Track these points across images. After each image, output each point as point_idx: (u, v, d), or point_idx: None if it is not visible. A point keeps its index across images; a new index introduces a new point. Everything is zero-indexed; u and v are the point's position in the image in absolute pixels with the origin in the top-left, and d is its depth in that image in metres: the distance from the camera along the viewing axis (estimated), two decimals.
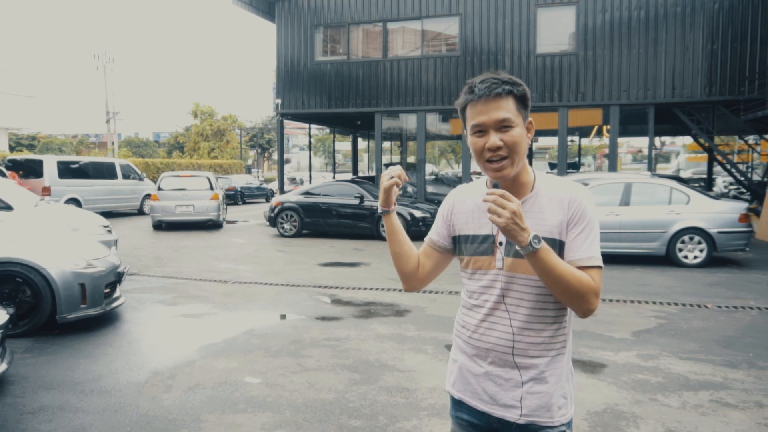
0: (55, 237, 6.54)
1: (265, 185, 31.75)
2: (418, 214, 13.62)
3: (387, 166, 23.73)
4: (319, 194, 14.67)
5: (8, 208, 8.57)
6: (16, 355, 4.94)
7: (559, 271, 1.53)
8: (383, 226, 13.55)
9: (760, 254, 11.44)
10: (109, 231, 9.27)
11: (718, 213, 10.03)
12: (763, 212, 14.07)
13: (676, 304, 7.37)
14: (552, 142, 26.80)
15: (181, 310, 6.92)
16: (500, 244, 1.69)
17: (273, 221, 14.69)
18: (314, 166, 26.96)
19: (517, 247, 1.54)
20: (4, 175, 14.82)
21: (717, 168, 22.59)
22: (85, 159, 20.02)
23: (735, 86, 15.26)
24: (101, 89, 43.32)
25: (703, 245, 9.95)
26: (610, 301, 7.48)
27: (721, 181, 24.88)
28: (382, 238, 13.33)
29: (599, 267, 1.62)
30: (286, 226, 14.52)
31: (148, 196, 21.00)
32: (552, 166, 28.30)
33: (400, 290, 7.88)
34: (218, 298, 7.54)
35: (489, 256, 1.71)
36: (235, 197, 27.71)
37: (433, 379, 4.62)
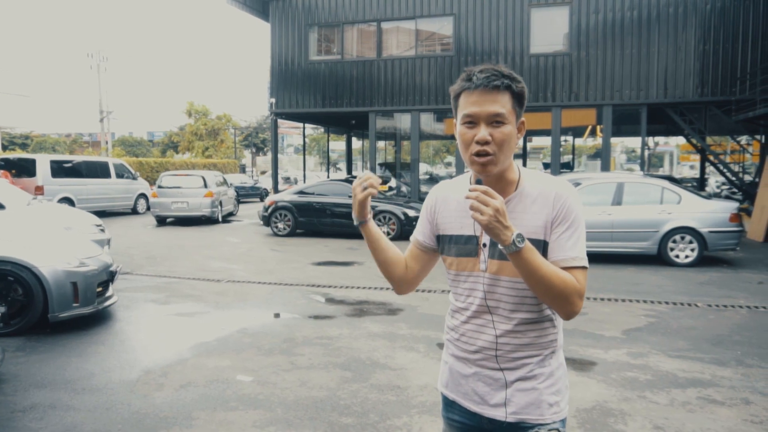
0: (47, 236, 6.53)
1: (259, 184, 31.72)
2: (411, 213, 13.64)
3: (381, 165, 23.80)
4: (312, 193, 14.68)
5: (0, 207, 8.55)
6: (8, 354, 4.94)
7: (543, 271, 1.49)
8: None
9: (751, 253, 11.53)
10: (102, 230, 9.26)
11: (709, 213, 10.10)
12: (754, 212, 14.17)
13: (667, 302, 7.42)
14: (545, 141, 26.89)
15: (174, 308, 6.92)
16: (484, 245, 1.64)
17: (267, 220, 14.70)
18: (303, 166, 26.88)
19: (500, 247, 1.49)
20: None
21: (710, 168, 22.72)
22: (78, 158, 19.96)
23: (726, 87, 15.36)
24: (95, 88, 43.26)
25: (695, 245, 10.02)
26: (602, 299, 7.52)
27: (714, 181, 25.03)
28: None
29: (584, 267, 1.58)
30: (280, 225, 14.52)
31: (142, 195, 21.06)
32: (546, 165, 28.40)
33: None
34: (211, 297, 7.55)
35: (473, 258, 1.66)
36: None
37: (425, 377, 4.65)
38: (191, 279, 8.80)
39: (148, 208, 21.65)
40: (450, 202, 1.74)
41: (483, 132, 1.56)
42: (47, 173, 17.14)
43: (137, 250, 11.65)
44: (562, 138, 23.27)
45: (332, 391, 4.34)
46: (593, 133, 24.40)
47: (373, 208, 13.94)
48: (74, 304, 5.75)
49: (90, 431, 3.65)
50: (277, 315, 6.78)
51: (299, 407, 4.04)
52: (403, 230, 13.47)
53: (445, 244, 1.75)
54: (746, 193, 17.55)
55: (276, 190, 19.94)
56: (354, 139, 29.33)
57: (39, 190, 16.51)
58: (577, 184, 10.73)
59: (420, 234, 1.83)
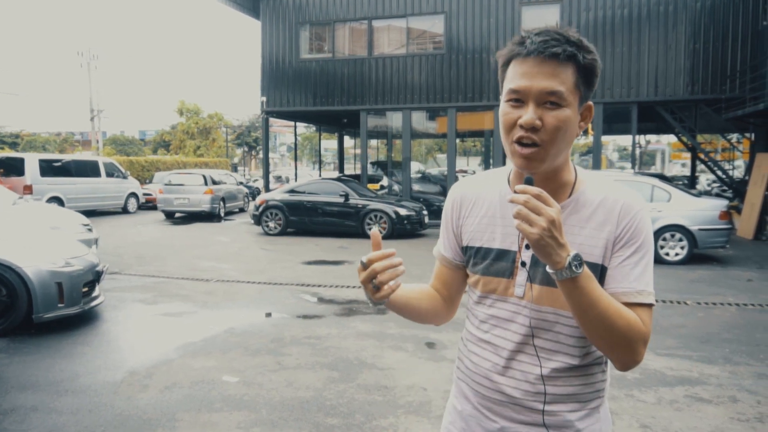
0: (32, 235, 6.46)
1: (252, 183, 31.57)
2: (403, 212, 13.63)
3: (373, 164, 23.74)
4: (304, 192, 14.63)
5: None
6: None
7: (603, 307, 1.14)
8: (370, 228, 13.59)
9: (741, 251, 11.57)
10: (90, 229, 9.18)
11: (699, 210, 10.13)
12: (744, 209, 14.23)
13: (656, 300, 7.41)
14: None
15: (162, 308, 6.86)
16: (523, 264, 1.28)
17: (258, 219, 14.64)
18: (295, 165, 26.80)
19: (548, 269, 1.13)
20: None
21: (701, 166, 22.81)
22: (67, 157, 19.84)
23: (717, 85, 15.40)
24: (86, 87, 42.95)
25: (684, 242, 10.05)
26: None
27: (705, 179, 25.15)
28: (367, 237, 13.33)
29: (650, 305, 1.23)
30: (271, 224, 14.47)
31: (132, 194, 20.99)
32: None
33: None
34: (199, 297, 7.49)
35: (506, 279, 1.30)
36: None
37: (412, 377, 4.62)
38: (180, 278, 8.74)
39: (139, 207, 21.62)
40: (479, 204, 1.37)
41: (530, 114, 1.18)
42: (36, 172, 17.00)
43: (126, 250, 11.56)
44: None
45: (318, 391, 4.30)
46: (584, 132, 24.48)
47: (364, 207, 14.12)
48: (59, 305, 5.69)
49: None
50: (267, 314, 6.74)
51: (285, 408, 4.00)
52: (394, 229, 13.44)
53: (471, 257, 1.38)
54: (736, 190, 17.64)
55: (267, 189, 19.87)
56: (346, 138, 29.25)
57: (28, 189, 16.38)
58: None
59: (445, 248, 1.46)
